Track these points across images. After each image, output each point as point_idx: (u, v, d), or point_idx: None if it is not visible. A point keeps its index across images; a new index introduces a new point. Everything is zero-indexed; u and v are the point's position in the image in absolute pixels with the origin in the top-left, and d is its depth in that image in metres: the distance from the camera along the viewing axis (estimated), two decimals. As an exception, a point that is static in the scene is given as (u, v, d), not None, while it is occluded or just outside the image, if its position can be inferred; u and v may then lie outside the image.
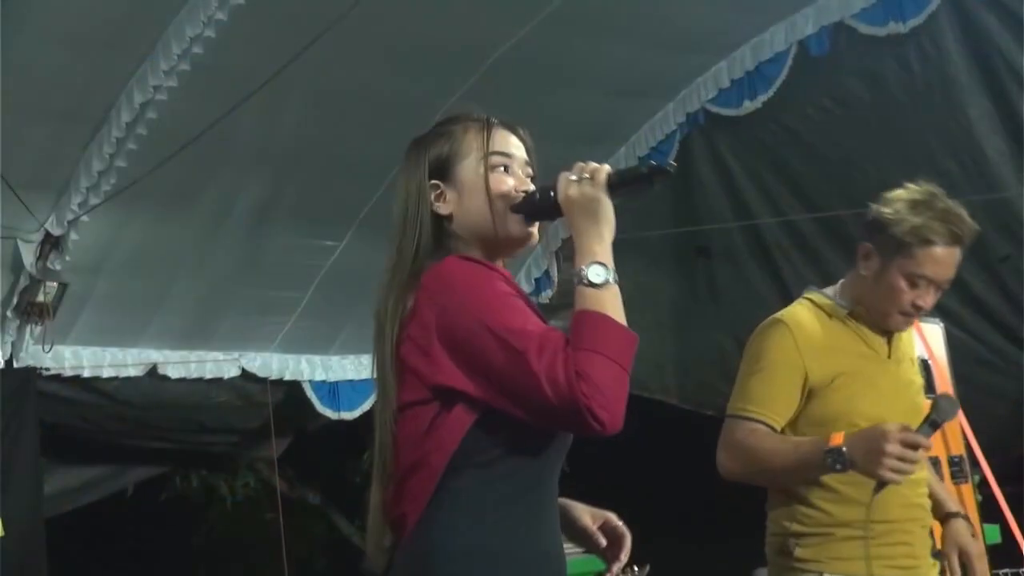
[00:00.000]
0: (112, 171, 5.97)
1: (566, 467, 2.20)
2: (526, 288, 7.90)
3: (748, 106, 6.83)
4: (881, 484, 2.73)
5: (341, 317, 7.47)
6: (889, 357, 3.17)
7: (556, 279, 7.71)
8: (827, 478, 2.97)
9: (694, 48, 6.73)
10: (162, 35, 5.46)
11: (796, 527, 3.06)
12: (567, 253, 7.45)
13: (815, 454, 2.86)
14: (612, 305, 2.00)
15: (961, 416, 4.94)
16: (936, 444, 4.76)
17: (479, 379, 1.98)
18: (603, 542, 2.32)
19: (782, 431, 3.05)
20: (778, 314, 3.18)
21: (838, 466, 2.80)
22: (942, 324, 5.18)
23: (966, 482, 4.88)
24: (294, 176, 6.57)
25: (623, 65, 6.55)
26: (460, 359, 1.99)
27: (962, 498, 4.80)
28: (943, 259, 3.05)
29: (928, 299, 3.09)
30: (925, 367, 4.85)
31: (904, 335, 3.27)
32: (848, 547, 3.00)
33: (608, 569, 2.28)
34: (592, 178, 2.08)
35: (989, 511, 5.08)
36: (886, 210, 3.12)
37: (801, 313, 3.17)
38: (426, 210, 2.18)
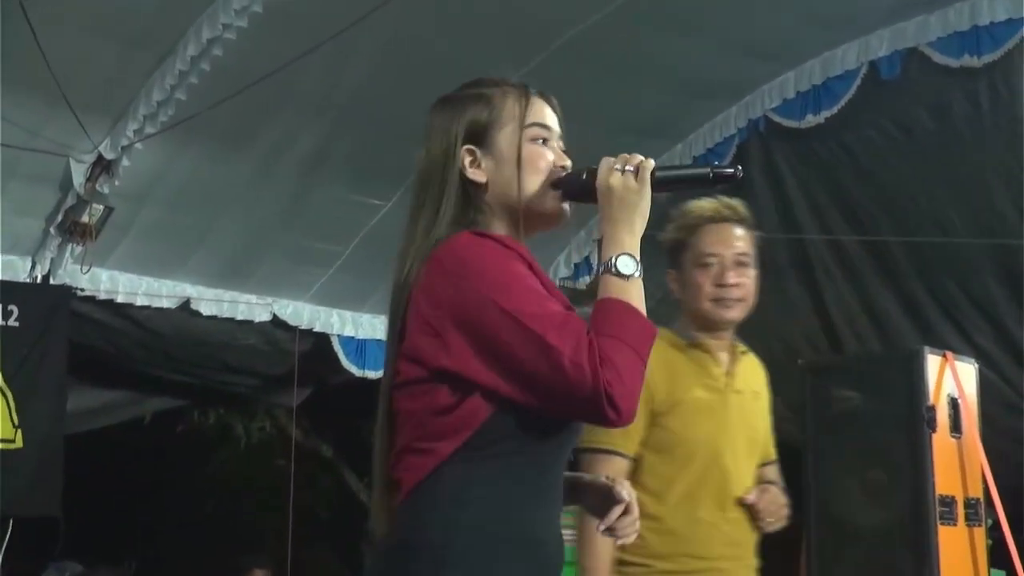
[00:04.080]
0: (171, 103, 5.98)
1: (572, 456, 2.19)
2: (564, 272, 7.90)
3: (810, 120, 6.78)
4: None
5: (377, 277, 7.46)
6: (727, 387, 3.17)
7: (596, 266, 7.71)
8: (652, 508, 2.96)
9: (764, 55, 6.69)
10: (239, -26, 5.48)
11: (620, 555, 3.03)
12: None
13: None
14: (637, 298, 1.98)
15: (983, 458, 4.92)
16: (953, 483, 4.74)
17: (492, 364, 1.92)
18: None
19: (634, 457, 3.05)
20: None
21: None
22: (976, 365, 5.15)
23: (979, 526, 4.85)
24: (350, 130, 6.57)
25: (690, 63, 6.52)
26: (474, 343, 1.93)
27: (973, 541, 4.78)
28: (712, 232, 3.15)
29: (729, 276, 3.13)
30: (953, 405, 4.83)
31: (747, 367, 3.28)
32: None
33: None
34: (637, 171, 2.04)
35: (998, 556, 5.05)
36: (664, 237, 3.22)
37: None
38: (455, 176, 2.10)
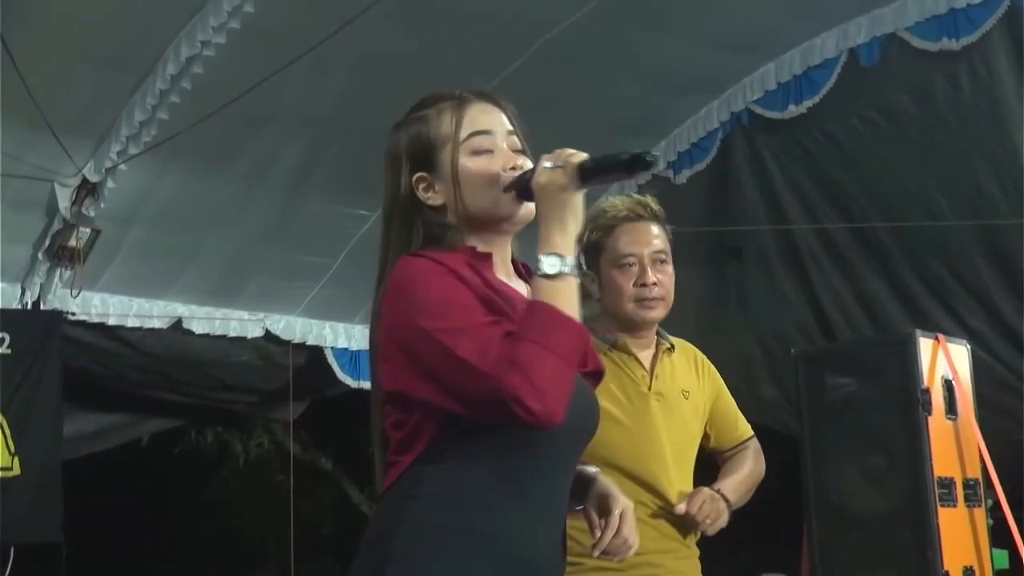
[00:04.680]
0: (153, 122, 5.98)
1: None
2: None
3: (793, 110, 6.79)
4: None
5: (368, 287, 7.33)
6: (649, 389, 3.14)
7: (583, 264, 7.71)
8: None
9: (744, 48, 6.70)
10: (215, -10, 5.48)
11: None
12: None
13: None
14: (564, 296, 1.96)
15: (980, 439, 4.93)
16: (951, 465, 4.75)
17: (424, 380, 1.96)
18: (594, 518, 2.28)
19: None
20: None
21: None
22: (968, 346, 5.15)
23: (979, 506, 4.86)
24: (334, 143, 6.58)
25: (671, 59, 6.53)
26: (408, 362, 1.98)
27: (974, 522, 4.78)
28: (628, 231, 3.14)
29: (649, 274, 3.12)
30: (948, 387, 4.84)
31: (676, 367, 3.24)
32: None
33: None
34: (564, 166, 2.02)
35: (999, 536, 5.06)
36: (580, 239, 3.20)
37: None
38: (413, 206, 2.13)
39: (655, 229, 3.18)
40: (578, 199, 2.04)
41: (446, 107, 2.16)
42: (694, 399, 3.26)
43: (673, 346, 3.26)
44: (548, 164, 2.04)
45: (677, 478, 3.14)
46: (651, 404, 3.14)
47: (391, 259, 2.11)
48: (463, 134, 2.13)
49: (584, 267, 3.17)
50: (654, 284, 3.13)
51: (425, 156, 2.13)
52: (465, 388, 1.91)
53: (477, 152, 2.13)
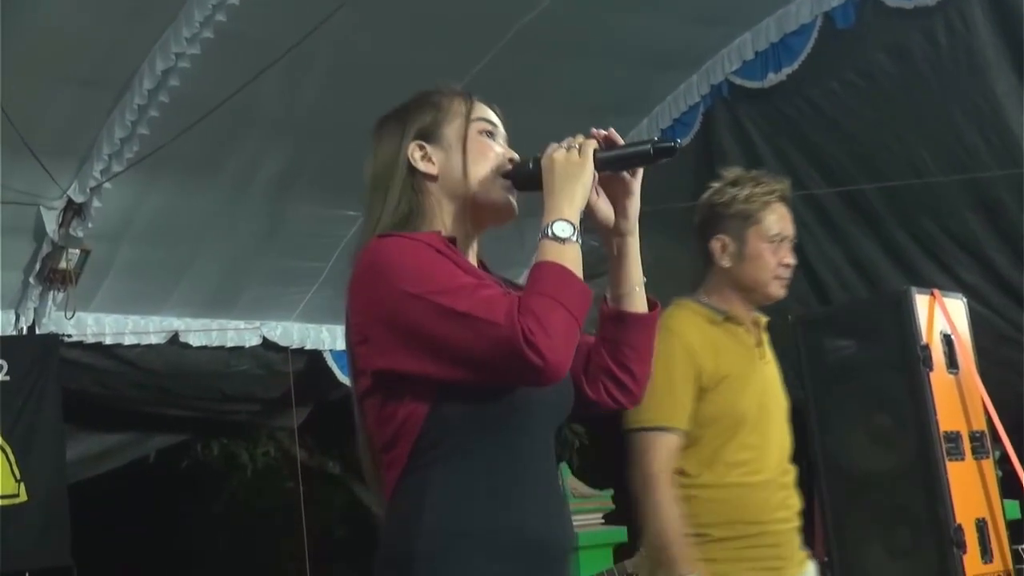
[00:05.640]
0: (135, 138, 5.97)
1: (584, 439, 2.19)
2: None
3: (772, 79, 6.79)
4: None
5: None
6: (762, 358, 3.29)
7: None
8: (704, 478, 3.11)
9: (719, 19, 6.69)
10: (185, 2, 5.45)
11: None
12: (587, 225, 7.42)
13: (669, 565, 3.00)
14: (571, 260, 1.96)
15: (983, 391, 4.93)
16: (957, 419, 4.75)
17: (418, 351, 1.93)
18: None
19: (685, 431, 3.13)
20: (667, 323, 3.21)
21: None
22: (964, 299, 5.15)
23: (987, 458, 4.86)
24: (316, 146, 6.56)
25: (647, 36, 6.51)
26: (398, 336, 1.95)
27: (983, 474, 4.79)
28: (783, 214, 3.28)
29: (790, 257, 3.28)
30: (947, 342, 4.84)
31: (767, 338, 3.39)
32: (718, 549, 3.09)
33: None
34: (580, 148, 2.05)
35: (1010, 487, 5.07)
36: (716, 198, 3.30)
37: (684, 319, 3.26)
38: (402, 172, 2.13)
39: (789, 214, 3.33)
40: (589, 177, 2.05)
41: (455, 94, 2.21)
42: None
43: (767, 320, 3.40)
44: (563, 145, 2.07)
45: (786, 439, 3.32)
46: (763, 370, 3.29)
47: (380, 226, 2.09)
48: (474, 115, 2.18)
49: (715, 231, 3.28)
50: (790, 266, 3.29)
51: (430, 127, 2.16)
52: (472, 343, 1.88)
53: (482, 133, 2.17)
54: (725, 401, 3.14)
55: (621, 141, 2.10)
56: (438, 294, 1.91)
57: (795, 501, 3.27)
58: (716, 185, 3.33)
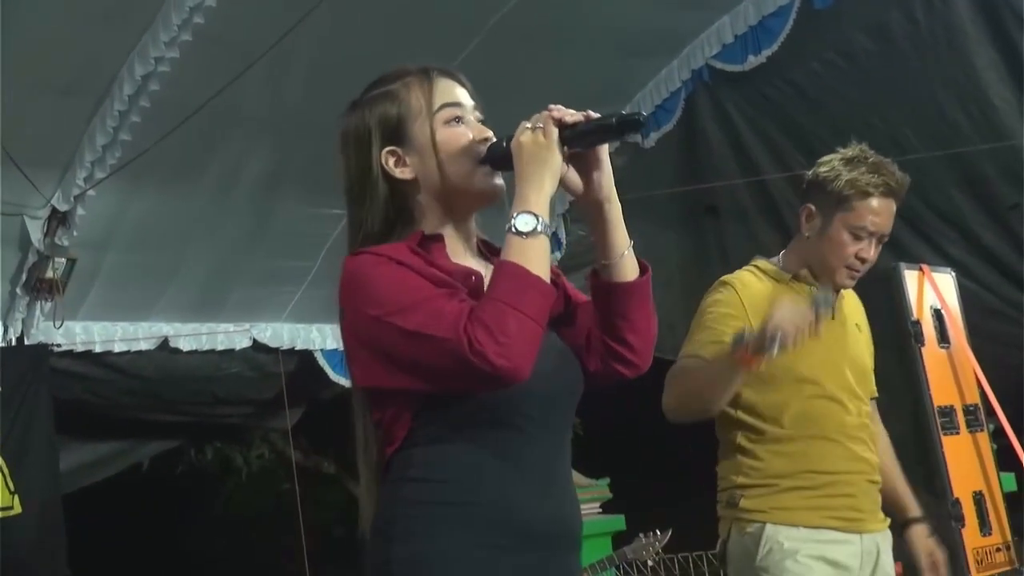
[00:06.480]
0: (117, 144, 5.94)
1: (580, 429, 2.19)
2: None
3: (752, 61, 6.79)
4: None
5: (351, 286, 7.44)
6: (833, 318, 3.22)
7: (565, 241, 7.70)
8: (769, 432, 3.14)
9: (697, 3, 6.70)
10: (162, 6, 5.42)
11: (742, 479, 3.18)
12: (574, 215, 7.42)
13: (724, 348, 2.98)
14: (535, 254, 1.94)
15: (975, 364, 4.93)
16: (950, 393, 4.76)
17: (389, 368, 1.97)
18: None
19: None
20: (725, 277, 3.31)
21: (738, 343, 2.88)
22: (953, 273, 5.16)
23: (981, 431, 4.87)
24: (299, 145, 6.54)
25: (626, 23, 6.51)
26: (370, 355, 2.00)
27: (978, 447, 4.80)
28: (881, 210, 3.20)
29: (870, 252, 3.23)
30: (938, 317, 4.85)
31: (849, 301, 3.39)
32: (790, 498, 3.12)
33: None
34: (544, 127, 2.01)
35: (1005, 459, 5.08)
36: (823, 169, 3.27)
37: (747, 276, 3.30)
38: (381, 183, 2.10)
39: (894, 209, 3.25)
40: (557, 159, 2.02)
41: (412, 80, 2.15)
42: (865, 334, 3.43)
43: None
44: (528, 125, 2.03)
45: (856, 402, 3.27)
46: (834, 329, 3.21)
47: (367, 238, 2.10)
48: (436, 104, 2.12)
49: (809, 199, 3.27)
50: (868, 262, 3.24)
51: (396, 130, 2.12)
52: (426, 360, 1.91)
53: (449, 122, 2.12)
54: (783, 359, 3.04)
55: (594, 116, 2.05)
56: (393, 314, 1.94)
57: (871, 455, 3.26)
58: (834, 156, 3.29)
